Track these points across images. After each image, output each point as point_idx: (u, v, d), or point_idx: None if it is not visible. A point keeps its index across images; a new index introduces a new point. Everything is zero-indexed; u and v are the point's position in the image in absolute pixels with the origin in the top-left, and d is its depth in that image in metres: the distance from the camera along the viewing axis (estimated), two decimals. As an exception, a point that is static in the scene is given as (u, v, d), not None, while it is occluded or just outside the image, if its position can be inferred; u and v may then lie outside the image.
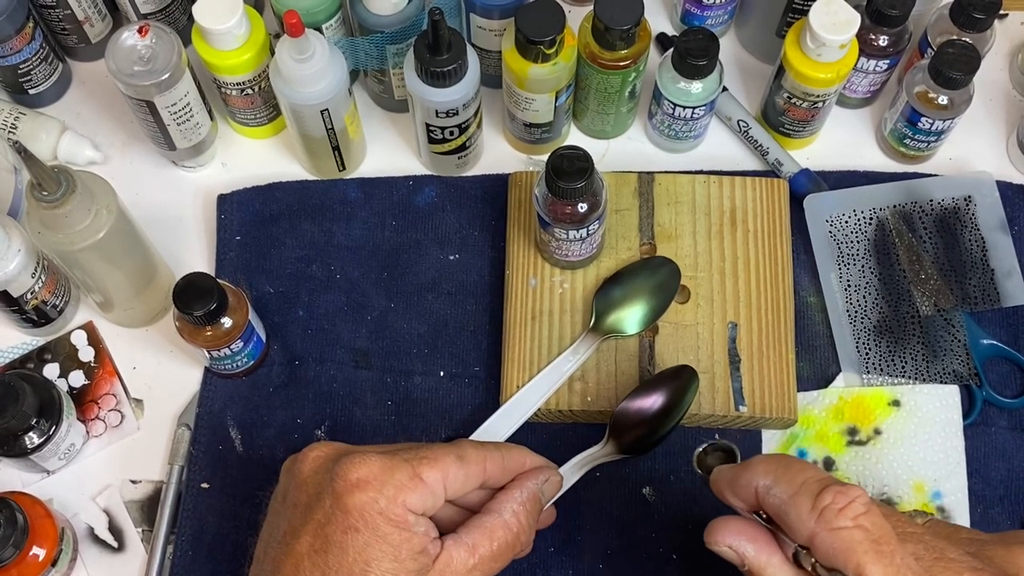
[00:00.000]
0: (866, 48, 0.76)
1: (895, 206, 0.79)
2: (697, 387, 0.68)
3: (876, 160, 0.83)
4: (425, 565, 0.54)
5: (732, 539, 0.52)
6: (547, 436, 0.73)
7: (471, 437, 0.68)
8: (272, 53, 0.73)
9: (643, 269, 0.74)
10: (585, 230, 0.69)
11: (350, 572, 0.52)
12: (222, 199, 0.80)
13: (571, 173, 0.65)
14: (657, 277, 0.73)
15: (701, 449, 0.60)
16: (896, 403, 0.74)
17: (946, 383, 0.74)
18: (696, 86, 0.75)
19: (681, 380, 0.68)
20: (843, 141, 0.84)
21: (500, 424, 0.69)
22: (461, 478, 0.57)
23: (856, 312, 0.76)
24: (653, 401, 0.68)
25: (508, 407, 0.70)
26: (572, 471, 0.66)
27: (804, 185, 0.79)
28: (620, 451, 0.67)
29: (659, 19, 0.87)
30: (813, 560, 0.49)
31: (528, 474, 0.60)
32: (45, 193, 0.62)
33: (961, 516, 0.71)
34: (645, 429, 0.68)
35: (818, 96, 0.76)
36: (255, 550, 0.57)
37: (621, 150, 0.83)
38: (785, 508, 0.50)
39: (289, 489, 0.57)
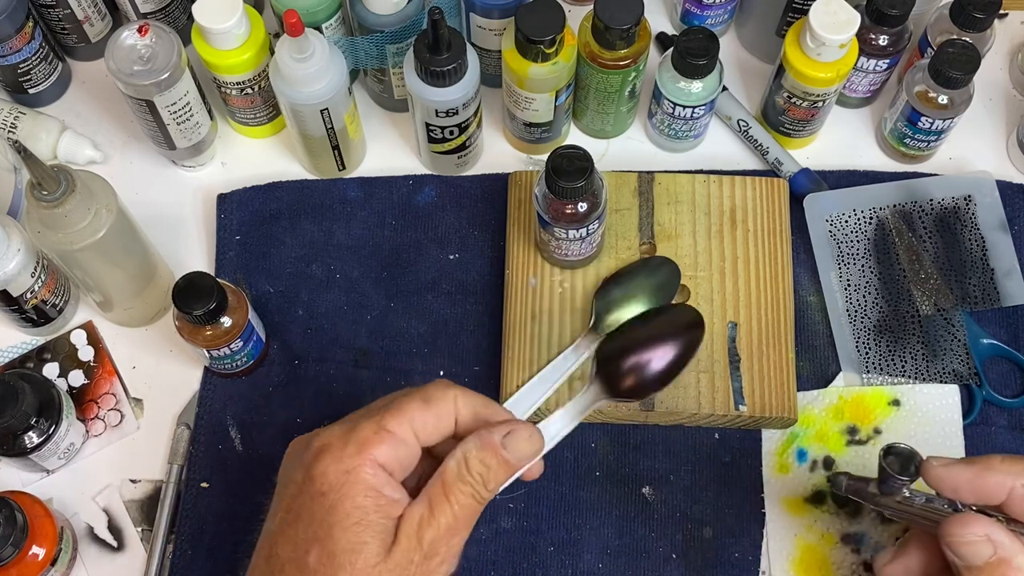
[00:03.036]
0: (866, 48, 0.76)
1: (895, 206, 0.79)
2: (703, 333, 0.65)
3: (876, 160, 0.83)
4: (387, 531, 0.52)
5: (987, 529, 0.53)
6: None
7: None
8: (272, 53, 0.73)
9: (643, 269, 0.74)
10: (585, 229, 0.69)
11: (315, 537, 0.51)
12: (222, 199, 0.80)
13: (571, 173, 0.65)
14: (657, 277, 0.73)
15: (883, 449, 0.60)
16: (896, 402, 0.74)
17: (946, 383, 0.74)
18: (696, 85, 0.75)
19: (692, 333, 0.65)
20: (843, 141, 0.84)
21: (500, 423, 0.69)
22: (431, 420, 0.54)
23: (856, 312, 0.76)
24: (664, 354, 0.64)
25: (508, 406, 0.70)
26: (565, 421, 0.61)
27: (804, 185, 0.79)
28: (612, 395, 0.63)
29: (659, 19, 0.87)
30: None
31: (489, 427, 0.56)
32: (45, 192, 0.62)
33: (961, 516, 0.71)
34: (647, 381, 0.64)
35: (818, 96, 0.76)
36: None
37: (621, 150, 0.83)
38: None
39: (281, 472, 0.57)
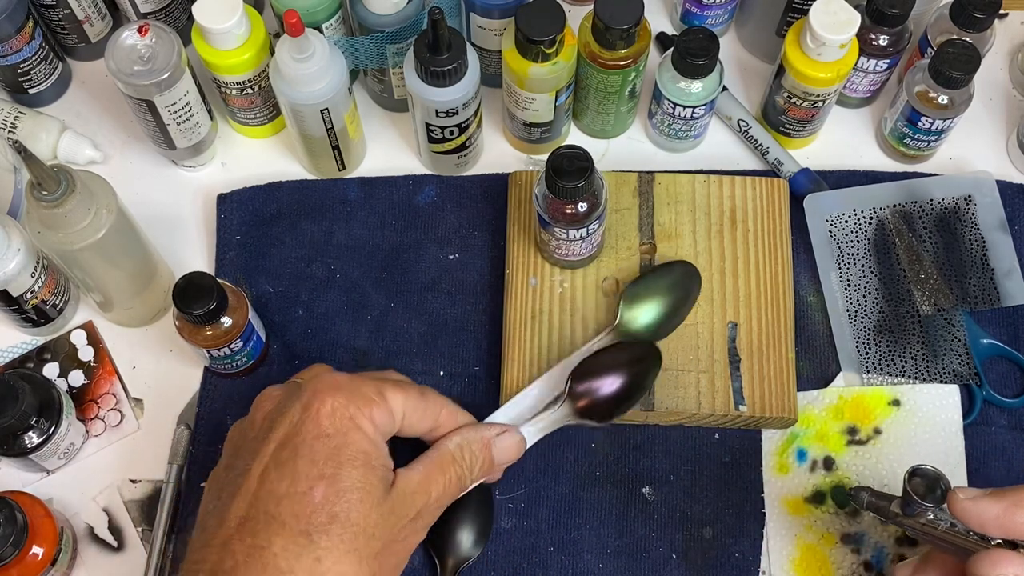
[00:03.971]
0: (866, 48, 0.76)
1: (895, 206, 0.79)
2: (660, 363, 0.69)
3: (876, 160, 0.83)
4: (387, 480, 0.55)
5: (1017, 569, 0.52)
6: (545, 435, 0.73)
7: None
8: (272, 53, 0.73)
9: (667, 275, 0.73)
10: (585, 230, 0.69)
11: (321, 475, 0.53)
12: (222, 199, 0.80)
13: (571, 173, 0.65)
14: (683, 287, 0.73)
15: (909, 471, 0.59)
16: (896, 403, 0.74)
17: (946, 383, 0.74)
18: (696, 86, 0.75)
19: (647, 361, 0.69)
20: (843, 141, 0.84)
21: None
22: (420, 411, 0.58)
23: (856, 312, 0.76)
24: (614, 380, 0.68)
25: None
26: (530, 435, 0.66)
27: (804, 185, 0.79)
28: (577, 416, 0.67)
29: (659, 19, 0.88)
30: None
31: (486, 424, 0.62)
32: (45, 192, 0.62)
33: (961, 516, 0.71)
34: (607, 405, 0.67)
35: (818, 96, 0.76)
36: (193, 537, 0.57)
37: (621, 150, 0.83)
38: None
39: (237, 440, 0.58)
